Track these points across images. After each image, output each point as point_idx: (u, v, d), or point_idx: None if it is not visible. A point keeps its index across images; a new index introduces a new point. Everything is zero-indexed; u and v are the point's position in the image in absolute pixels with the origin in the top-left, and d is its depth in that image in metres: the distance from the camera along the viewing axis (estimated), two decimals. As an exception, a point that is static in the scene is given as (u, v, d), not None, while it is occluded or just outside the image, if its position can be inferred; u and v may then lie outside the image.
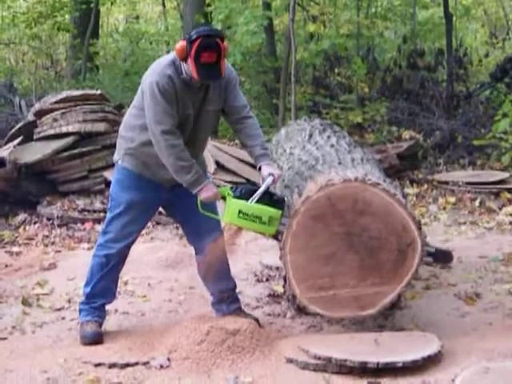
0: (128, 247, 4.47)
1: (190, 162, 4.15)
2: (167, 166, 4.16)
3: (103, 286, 4.47)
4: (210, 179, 4.48)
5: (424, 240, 4.22)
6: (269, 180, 4.19)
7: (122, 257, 4.47)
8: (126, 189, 4.36)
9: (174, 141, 4.10)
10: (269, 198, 4.14)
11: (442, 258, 4.40)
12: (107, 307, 4.60)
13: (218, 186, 4.38)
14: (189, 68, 4.05)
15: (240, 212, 4.08)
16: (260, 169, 4.32)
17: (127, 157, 4.34)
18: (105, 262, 4.42)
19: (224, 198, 4.22)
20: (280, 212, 4.15)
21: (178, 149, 4.11)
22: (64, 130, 8.01)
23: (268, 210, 4.10)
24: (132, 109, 4.37)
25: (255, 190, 4.13)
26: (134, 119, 4.32)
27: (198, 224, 4.36)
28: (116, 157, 4.44)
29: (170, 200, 4.43)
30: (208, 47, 3.98)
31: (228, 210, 4.14)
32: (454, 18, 13.84)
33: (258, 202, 4.10)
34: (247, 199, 4.10)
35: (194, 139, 4.28)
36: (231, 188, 4.21)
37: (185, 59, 4.05)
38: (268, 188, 4.18)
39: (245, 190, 4.17)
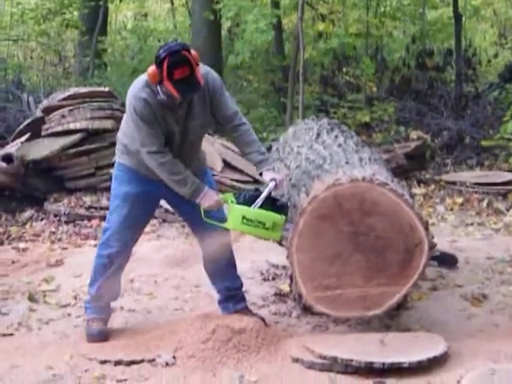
0: (129, 246, 4.48)
1: (183, 174, 4.17)
2: (165, 181, 4.23)
3: (108, 286, 4.49)
4: (213, 184, 4.50)
5: (431, 241, 4.21)
6: (271, 185, 4.21)
7: (124, 257, 4.48)
8: (124, 182, 4.40)
9: (162, 159, 4.14)
10: (272, 204, 4.17)
11: (447, 261, 4.37)
12: (113, 304, 4.62)
13: (222, 192, 4.39)
14: (167, 89, 4.00)
15: (243, 218, 4.10)
16: (261, 175, 4.34)
17: (124, 155, 4.40)
18: (108, 263, 4.42)
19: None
20: (283, 217, 4.18)
21: (169, 165, 4.15)
22: (72, 126, 8.00)
23: (271, 216, 4.12)
24: (125, 116, 4.39)
25: (258, 196, 4.15)
26: (126, 127, 4.35)
27: (203, 222, 4.35)
28: (115, 157, 4.50)
29: (170, 197, 4.43)
30: (178, 63, 3.94)
31: (231, 217, 4.16)
32: (464, 19, 13.78)
33: (261, 207, 4.12)
34: (250, 205, 4.12)
35: (182, 153, 4.27)
36: (234, 194, 4.24)
37: (160, 82, 4.01)
38: (270, 193, 4.20)
39: (248, 195, 4.19)
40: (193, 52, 4.04)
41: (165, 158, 4.14)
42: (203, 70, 4.15)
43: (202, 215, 4.25)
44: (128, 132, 4.30)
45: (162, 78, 3.98)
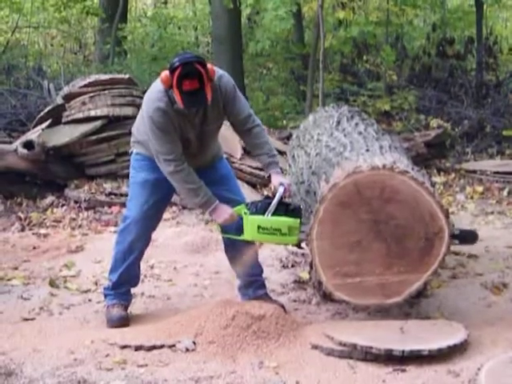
0: (149, 232, 4.50)
1: (197, 184, 4.21)
2: (177, 190, 4.29)
3: (129, 274, 4.53)
4: (230, 171, 4.52)
5: (451, 229, 4.20)
6: (280, 190, 4.24)
7: (144, 243, 4.51)
8: (142, 170, 4.44)
9: (177, 167, 4.17)
10: (285, 209, 4.20)
11: (468, 238, 4.36)
12: (133, 290, 4.64)
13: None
14: (175, 96, 4.04)
15: (259, 227, 4.15)
16: (270, 177, 4.38)
17: (140, 146, 4.44)
18: (128, 250, 4.45)
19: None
20: (298, 220, 4.21)
21: (184, 173, 4.18)
22: (92, 113, 8.04)
23: (286, 221, 4.16)
24: (140, 115, 4.42)
25: (270, 204, 4.18)
26: (142, 127, 4.37)
27: None
28: (132, 149, 4.54)
29: None
30: (188, 75, 3.96)
31: (247, 228, 4.20)
32: (485, 6, 13.68)
33: (274, 214, 4.16)
34: (264, 214, 4.15)
35: (198, 152, 4.34)
36: (246, 205, 4.26)
37: (171, 87, 4.04)
38: (282, 198, 4.21)
39: (260, 204, 4.23)
40: (209, 66, 4.06)
41: (180, 166, 4.17)
42: (216, 74, 4.17)
43: (220, 231, 4.34)
44: (144, 132, 4.32)
45: (171, 85, 4.01)
